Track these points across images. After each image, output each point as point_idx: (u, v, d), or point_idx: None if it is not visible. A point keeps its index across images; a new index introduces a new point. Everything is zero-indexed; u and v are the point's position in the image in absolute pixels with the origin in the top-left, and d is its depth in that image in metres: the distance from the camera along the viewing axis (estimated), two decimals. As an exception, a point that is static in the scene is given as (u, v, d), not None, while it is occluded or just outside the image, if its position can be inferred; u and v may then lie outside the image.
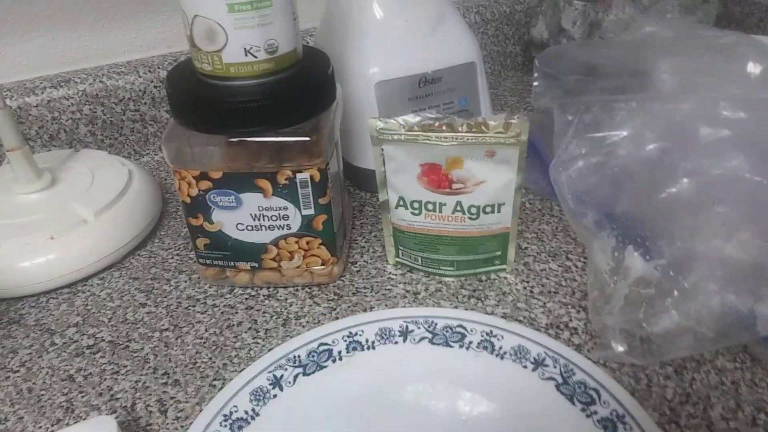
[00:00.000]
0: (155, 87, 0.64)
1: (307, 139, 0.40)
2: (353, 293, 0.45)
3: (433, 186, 0.42)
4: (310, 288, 0.46)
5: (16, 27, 0.60)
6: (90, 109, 0.62)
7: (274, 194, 0.41)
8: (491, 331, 0.38)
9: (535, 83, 0.53)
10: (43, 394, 0.38)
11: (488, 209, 0.42)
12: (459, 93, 0.57)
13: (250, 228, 0.43)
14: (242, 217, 0.43)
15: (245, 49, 0.38)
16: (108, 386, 0.39)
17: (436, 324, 0.39)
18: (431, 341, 0.39)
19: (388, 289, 0.45)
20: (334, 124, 0.43)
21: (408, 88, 0.54)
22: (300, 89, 0.40)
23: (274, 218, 0.43)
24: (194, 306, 0.45)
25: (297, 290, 0.46)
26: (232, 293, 0.46)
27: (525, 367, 0.36)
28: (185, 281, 0.48)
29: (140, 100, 0.64)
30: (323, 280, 0.46)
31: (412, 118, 0.39)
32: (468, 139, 0.39)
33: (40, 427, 0.36)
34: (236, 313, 0.44)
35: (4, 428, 0.36)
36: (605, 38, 0.64)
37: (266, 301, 0.45)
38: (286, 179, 0.41)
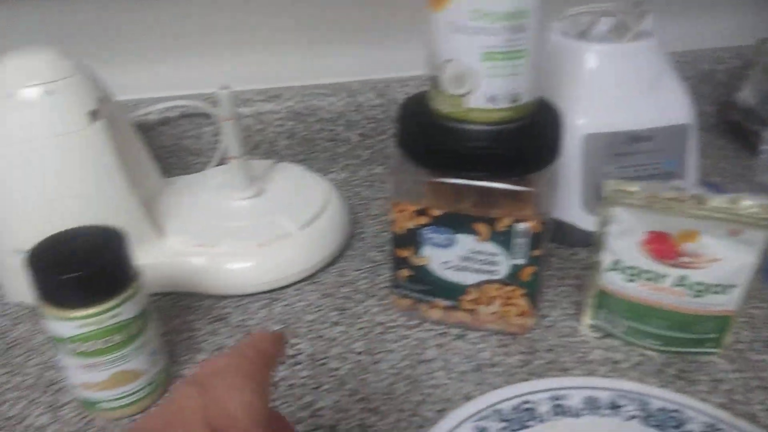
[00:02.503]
0: (352, 110, 0.66)
1: (533, 190, 0.39)
2: (547, 350, 0.44)
3: (657, 255, 0.40)
4: (501, 336, 0.45)
5: (238, 42, 0.65)
6: (292, 124, 0.66)
7: (490, 240, 0.41)
8: (714, 424, 0.35)
9: (763, 155, 0.49)
10: (249, 397, 0.40)
11: (717, 289, 0.39)
12: (667, 154, 0.54)
13: (456, 268, 0.43)
14: (451, 256, 0.43)
15: (490, 96, 0.38)
16: (308, 401, 0.40)
17: (648, 404, 0.37)
18: (645, 421, 0.36)
19: (584, 352, 0.44)
20: (557, 177, 0.42)
21: (616, 144, 0.52)
22: (534, 140, 0.40)
23: (483, 262, 0.42)
24: (386, 333, 0.46)
25: (488, 336, 0.45)
26: (422, 327, 0.46)
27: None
28: (376, 306, 0.49)
29: (336, 121, 0.67)
30: (515, 330, 0.45)
31: (654, 186, 0.38)
32: (716, 215, 0.37)
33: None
34: (427, 348, 0.44)
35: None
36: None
37: (456, 342, 0.45)
38: (505, 227, 0.40)
